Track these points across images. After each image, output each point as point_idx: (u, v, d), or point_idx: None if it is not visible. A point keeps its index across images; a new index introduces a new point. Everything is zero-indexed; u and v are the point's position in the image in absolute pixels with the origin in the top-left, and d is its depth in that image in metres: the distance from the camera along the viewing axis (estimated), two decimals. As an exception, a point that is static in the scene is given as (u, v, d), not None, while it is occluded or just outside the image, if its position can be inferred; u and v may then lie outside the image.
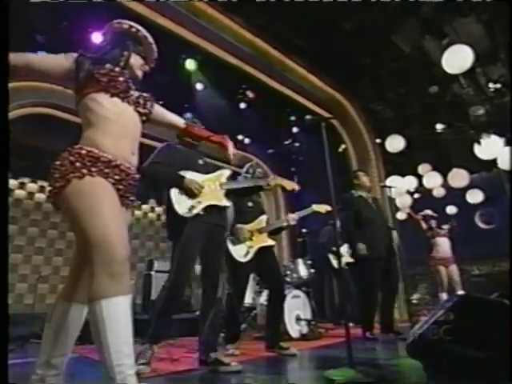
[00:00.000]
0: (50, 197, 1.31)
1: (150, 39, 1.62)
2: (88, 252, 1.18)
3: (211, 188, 2.40)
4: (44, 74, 1.39)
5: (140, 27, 1.60)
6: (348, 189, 4.13)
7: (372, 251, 3.62)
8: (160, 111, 1.69)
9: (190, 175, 2.35)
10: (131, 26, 1.58)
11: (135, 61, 1.56)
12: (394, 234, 4.19)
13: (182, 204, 2.26)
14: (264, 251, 2.99)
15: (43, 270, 6.33)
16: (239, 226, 2.95)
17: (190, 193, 2.28)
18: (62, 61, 1.40)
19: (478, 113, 6.16)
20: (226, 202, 2.44)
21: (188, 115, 2.83)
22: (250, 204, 3.11)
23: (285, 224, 3.23)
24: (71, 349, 1.36)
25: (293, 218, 3.19)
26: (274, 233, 3.20)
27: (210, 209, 2.33)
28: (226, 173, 2.55)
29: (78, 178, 1.24)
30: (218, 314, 2.35)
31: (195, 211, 2.25)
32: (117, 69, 1.47)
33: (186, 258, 2.24)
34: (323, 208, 3.24)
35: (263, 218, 3.14)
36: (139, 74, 1.59)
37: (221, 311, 2.35)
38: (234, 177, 2.82)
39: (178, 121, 1.80)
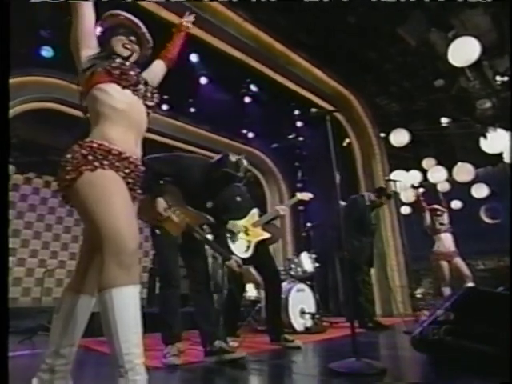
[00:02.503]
0: (60, 189, 1.32)
1: (135, 20, 1.60)
2: (98, 243, 1.20)
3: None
4: (76, 22, 1.45)
5: (124, 13, 1.59)
6: (352, 185, 4.26)
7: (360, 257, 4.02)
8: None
9: None
10: (112, 15, 1.58)
11: (117, 41, 1.55)
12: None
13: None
14: (259, 245, 3.02)
15: (49, 264, 6.40)
16: (232, 222, 2.94)
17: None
18: (93, 40, 1.49)
19: (484, 106, 6.09)
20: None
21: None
22: (238, 199, 3.10)
23: (275, 215, 3.27)
24: (79, 339, 1.38)
25: (282, 208, 3.24)
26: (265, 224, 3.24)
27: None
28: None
29: (90, 171, 1.26)
30: (212, 305, 2.43)
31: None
32: (127, 63, 1.51)
33: (165, 264, 2.42)
34: (306, 196, 3.38)
35: (255, 211, 3.16)
36: (124, 52, 1.55)
37: (213, 301, 2.44)
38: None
39: (161, 66, 1.82)
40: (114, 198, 1.25)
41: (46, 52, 4.59)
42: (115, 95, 1.40)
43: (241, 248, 2.90)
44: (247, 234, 2.99)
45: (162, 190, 2.22)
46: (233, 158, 2.44)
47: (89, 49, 1.46)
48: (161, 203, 2.16)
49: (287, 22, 4.77)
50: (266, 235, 3.09)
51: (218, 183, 2.49)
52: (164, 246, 2.38)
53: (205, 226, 2.60)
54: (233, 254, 2.68)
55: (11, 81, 4.56)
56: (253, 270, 2.59)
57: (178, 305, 2.39)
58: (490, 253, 7.75)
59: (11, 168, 6.03)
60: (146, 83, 1.55)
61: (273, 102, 6.10)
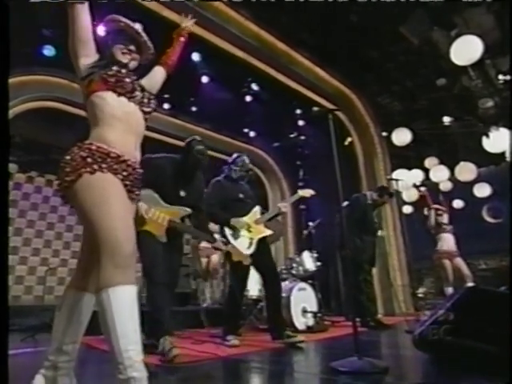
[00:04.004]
0: (59, 190, 1.34)
1: (137, 29, 1.60)
2: (96, 244, 1.22)
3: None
4: (73, 31, 1.44)
5: (126, 20, 1.58)
6: (354, 184, 4.28)
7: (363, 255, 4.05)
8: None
9: None
10: (115, 21, 1.58)
11: (117, 49, 1.56)
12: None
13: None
14: (260, 242, 3.03)
15: (51, 263, 6.42)
16: (234, 219, 2.97)
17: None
18: (91, 48, 1.48)
19: (486, 105, 6.06)
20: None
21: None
22: (241, 196, 3.11)
23: (277, 212, 3.26)
24: (81, 336, 1.39)
25: (284, 205, 3.25)
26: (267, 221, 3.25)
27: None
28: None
29: (90, 173, 1.27)
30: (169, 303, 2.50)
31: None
32: (123, 70, 1.52)
33: (149, 263, 2.47)
34: (308, 192, 3.40)
35: (257, 209, 3.18)
36: (124, 59, 1.56)
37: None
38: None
39: (161, 72, 1.83)
40: (111, 200, 1.26)
41: (48, 51, 4.59)
42: (112, 103, 1.42)
43: (243, 245, 2.91)
44: (249, 231, 3.00)
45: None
46: (199, 145, 2.69)
47: (87, 57, 1.47)
48: (141, 207, 2.29)
49: (289, 21, 4.75)
50: (269, 232, 3.11)
51: (189, 170, 2.69)
52: (147, 246, 2.39)
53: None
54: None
55: (13, 80, 4.58)
56: (239, 248, 2.83)
57: (166, 302, 2.40)
58: (491, 252, 7.73)
59: (14, 167, 6.04)
60: (142, 89, 1.56)
61: (274, 101, 6.10)
